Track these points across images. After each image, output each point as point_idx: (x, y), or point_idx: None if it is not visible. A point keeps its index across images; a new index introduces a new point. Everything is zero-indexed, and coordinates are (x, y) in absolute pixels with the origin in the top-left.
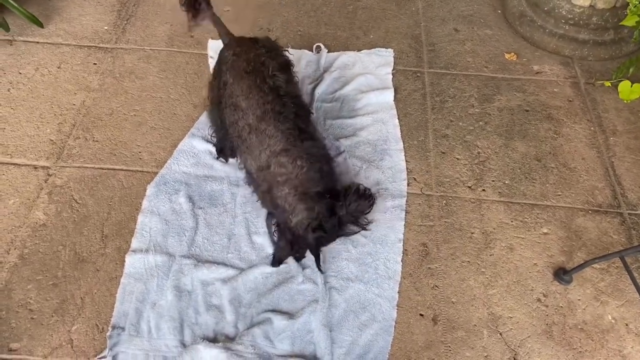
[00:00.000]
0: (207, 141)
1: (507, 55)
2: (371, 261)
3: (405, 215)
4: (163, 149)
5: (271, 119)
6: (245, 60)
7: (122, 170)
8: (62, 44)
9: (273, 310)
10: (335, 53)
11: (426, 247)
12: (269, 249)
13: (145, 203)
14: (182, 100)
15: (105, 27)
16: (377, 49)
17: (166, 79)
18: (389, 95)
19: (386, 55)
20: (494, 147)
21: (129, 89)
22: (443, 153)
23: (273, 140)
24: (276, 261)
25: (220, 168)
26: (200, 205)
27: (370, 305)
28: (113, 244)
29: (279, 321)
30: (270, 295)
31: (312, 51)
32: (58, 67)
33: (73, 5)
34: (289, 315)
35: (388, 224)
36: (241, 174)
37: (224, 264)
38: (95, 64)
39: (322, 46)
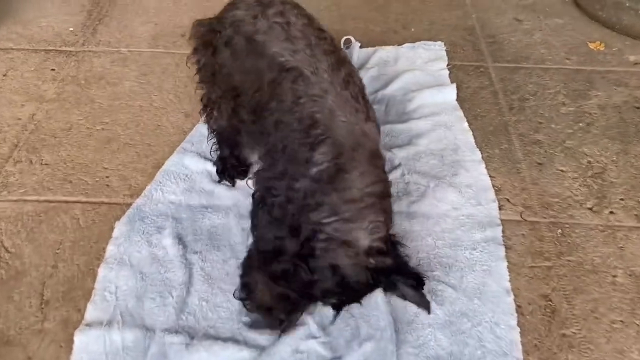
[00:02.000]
0: (205, 158)
1: (591, 45)
2: (470, 327)
3: (506, 252)
4: (142, 172)
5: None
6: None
7: (78, 202)
8: (12, 49)
9: None
10: (370, 48)
11: (550, 301)
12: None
13: (111, 249)
14: (169, 109)
15: (71, 29)
16: (422, 42)
17: (148, 84)
18: (450, 93)
19: (436, 49)
20: (609, 155)
21: (96, 98)
22: (539, 164)
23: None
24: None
25: (225, 194)
26: (195, 248)
27: None
28: (57, 314)
29: None
30: None
31: (341, 47)
32: (4, 75)
33: (32, 5)
34: None
35: (483, 266)
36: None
37: (234, 340)
38: (53, 69)
39: (353, 39)
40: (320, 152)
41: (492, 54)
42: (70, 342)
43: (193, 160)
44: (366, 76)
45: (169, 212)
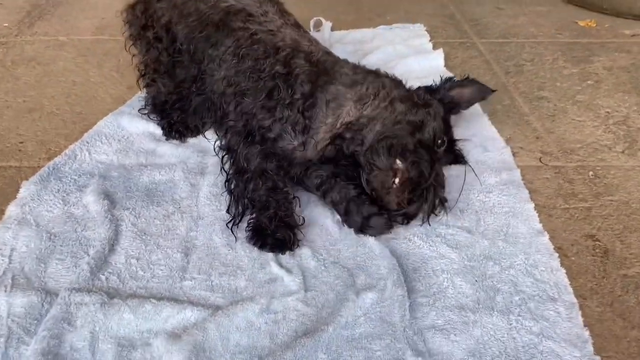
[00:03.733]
0: (147, 120)
1: (581, 23)
2: (498, 271)
3: (530, 196)
4: (66, 137)
5: None
6: None
7: None
8: None
9: None
10: (343, 31)
11: (598, 240)
12: (274, 263)
13: (11, 209)
14: (108, 83)
15: (5, 24)
16: (400, 24)
17: (87, 64)
18: (437, 58)
19: (415, 29)
20: (628, 105)
21: (21, 76)
22: (551, 116)
23: None
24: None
25: (169, 152)
26: (126, 205)
27: None
28: None
29: None
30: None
31: (310, 29)
32: None
33: None
34: None
35: (504, 208)
36: (211, 159)
37: (176, 300)
38: None
39: (323, 20)
40: (297, 64)
41: (478, 32)
42: None
43: (132, 121)
44: (341, 51)
45: (95, 172)
